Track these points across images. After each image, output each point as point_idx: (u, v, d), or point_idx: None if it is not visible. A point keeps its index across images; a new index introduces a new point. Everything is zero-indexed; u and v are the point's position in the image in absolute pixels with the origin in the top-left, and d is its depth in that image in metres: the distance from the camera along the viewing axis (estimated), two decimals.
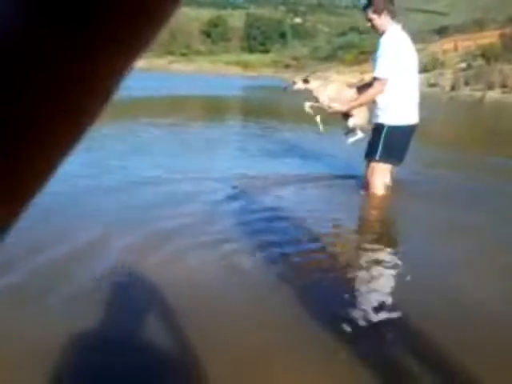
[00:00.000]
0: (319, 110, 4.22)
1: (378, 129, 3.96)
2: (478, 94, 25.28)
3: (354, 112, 4.09)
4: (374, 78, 3.89)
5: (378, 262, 2.75)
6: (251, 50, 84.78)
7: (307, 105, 4.20)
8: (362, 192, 4.09)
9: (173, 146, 6.52)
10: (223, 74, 50.55)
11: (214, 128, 8.89)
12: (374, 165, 3.98)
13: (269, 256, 2.73)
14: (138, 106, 12.91)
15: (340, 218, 3.62)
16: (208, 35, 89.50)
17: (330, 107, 4.07)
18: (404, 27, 3.99)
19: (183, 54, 79.62)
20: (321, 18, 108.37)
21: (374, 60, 3.94)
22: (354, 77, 28.78)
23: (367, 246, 3.04)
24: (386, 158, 3.93)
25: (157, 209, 3.42)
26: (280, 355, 1.78)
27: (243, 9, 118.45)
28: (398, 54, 3.81)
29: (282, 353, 1.80)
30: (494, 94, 24.52)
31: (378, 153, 3.91)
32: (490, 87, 25.55)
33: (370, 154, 4.01)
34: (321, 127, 4.26)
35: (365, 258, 2.84)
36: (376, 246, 3.02)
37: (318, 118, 4.24)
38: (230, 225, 3.27)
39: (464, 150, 7.04)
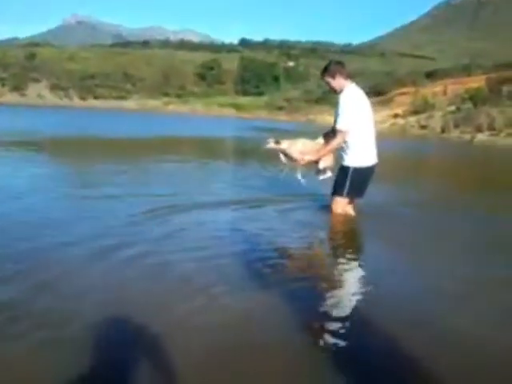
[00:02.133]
0: (289, 162, 4.81)
1: (344, 169, 4.60)
2: (467, 136, 25.94)
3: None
4: (337, 130, 4.46)
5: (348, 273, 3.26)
6: (245, 93, 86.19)
7: (281, 156, 4.81)
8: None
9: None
10: (218, 115, 51.28)
11: (210, 164, 9.21)
12: (337, 198, 4.64)
13: (240, 274, 3.01)
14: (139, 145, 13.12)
15: (313, 238, 4.21)
16: (203, 78, 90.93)
17: (303, 159, 4.64)
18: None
19: (178, 96, 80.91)
20: (313, 62, 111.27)
21: (336, 114, 4.50)
22: None
23: (337, 259, 3.58)
24: (351, 194, 4.61)
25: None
26: None
27: (237, 52, 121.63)
28: (355, 107, 4.41)
29: None
30: (482, 137, 25.15)
31: (346, 190, 4.55)
32: (479, 130, 26.23)
33: (337, 191, 4.62)
34: (283, 173, 4.94)
35: (337, 269, 3.33)
36: (344, 260, 3.48)
37: (285, 168, 4.91)
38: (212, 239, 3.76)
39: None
